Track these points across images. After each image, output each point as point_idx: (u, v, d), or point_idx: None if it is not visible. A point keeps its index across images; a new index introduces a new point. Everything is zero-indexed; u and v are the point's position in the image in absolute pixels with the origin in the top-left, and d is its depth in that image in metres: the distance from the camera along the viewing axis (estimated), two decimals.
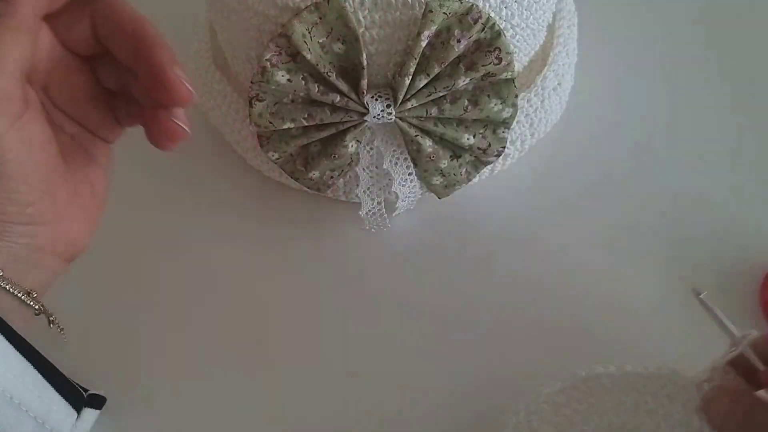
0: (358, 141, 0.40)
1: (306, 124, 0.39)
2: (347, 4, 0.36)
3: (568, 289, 0.42)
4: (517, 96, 0.39)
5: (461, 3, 0.36)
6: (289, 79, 0.37)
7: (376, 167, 0.41)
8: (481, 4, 0.36)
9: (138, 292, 0.43)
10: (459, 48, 0.37)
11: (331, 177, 0.42)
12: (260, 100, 0.38)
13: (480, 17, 0.36)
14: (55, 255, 0.33)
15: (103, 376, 0.39)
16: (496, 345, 0.40)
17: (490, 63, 0.37)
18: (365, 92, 0.37)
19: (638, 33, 0.52)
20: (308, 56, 0.36)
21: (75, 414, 0.35)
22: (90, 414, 0.37)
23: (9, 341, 0.31)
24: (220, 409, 0.40)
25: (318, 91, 0.37)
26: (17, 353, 0.32)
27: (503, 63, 0.37)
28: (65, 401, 0.34)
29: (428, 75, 0.37)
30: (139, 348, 0.42)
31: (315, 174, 0.41)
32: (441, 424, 0.38)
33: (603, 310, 0.41)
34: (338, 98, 0.37)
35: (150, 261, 0.44)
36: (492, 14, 0.37)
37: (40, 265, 0.33)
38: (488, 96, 0.39)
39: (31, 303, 0.33)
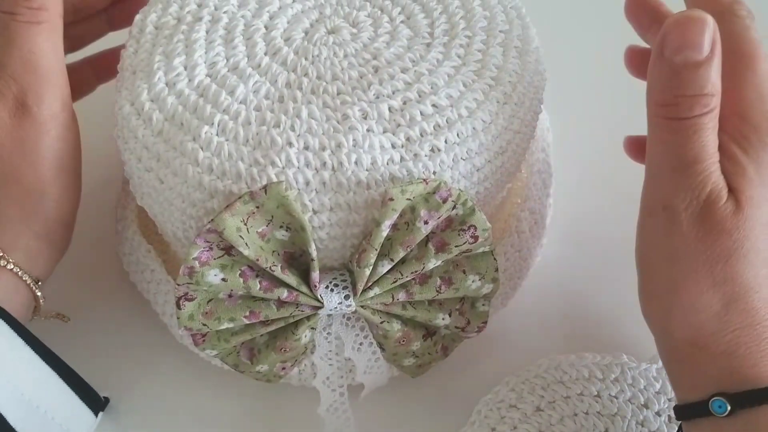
0: (312, 329, 0.33)
1: (248, 322, 0.32)
2: (290, 185, 0.30)
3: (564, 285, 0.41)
4: (497, 270, 0.33)
5: (426, 183, 0.30)
6: (223, 278, 0.31)
7: (336, 354, 0.35)
8: (449, 179, 0.31)
9: None
10: (426, 229, 0.31)
11: (283, 368, 0.35)
12: (190, 300, 0.31)
13: (450, 195, 0.30)
14: (52, 243, 0.35)
15: (102, 376, 0.38)
16: None
17: (464, 243, 0.31)
18: (317, 285, 0.31)
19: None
20: (245, 251, 0.30)
21: (95, 418, 0.36)
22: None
23: (32, 348, 0.33)
24: (220, 410, 0.38)
25: (261, 287, 0.31)
26: (42, 361, 0.33)
27: (480, 240, 0.31)
28: (86, 406, 0.35)
29: (392, 260, 0.31)
30: (138, 348, 0.40)
31: (263, 367, 0.34)
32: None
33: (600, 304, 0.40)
34: (286, 293, 0.31)
35: None
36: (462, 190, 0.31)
37: (43, 254, 0.35)
38: (464, 272, 0.33)
39: (39, 292, 0.35)
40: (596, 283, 0.41)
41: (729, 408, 0.29)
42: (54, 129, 0.34)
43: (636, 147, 0.40)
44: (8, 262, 0.34)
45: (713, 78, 0.29)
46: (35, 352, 0.33)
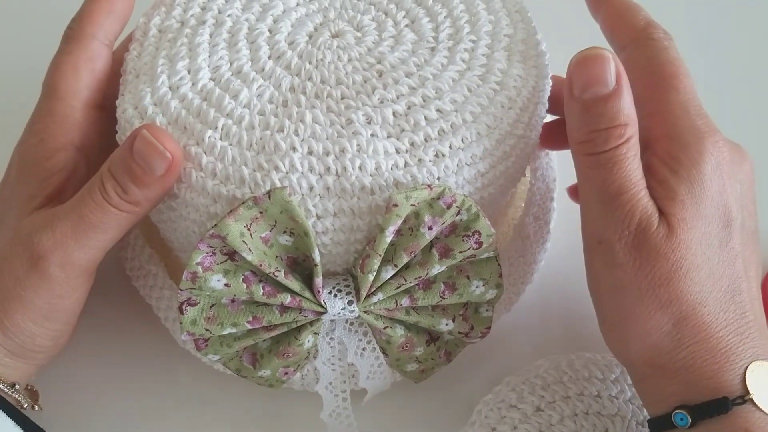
0: (315, 334, 0.33)
1: (251, 327, 0.32)
2: (293, 191, 0.30)
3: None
4: (501, 275, 0.33)
5: (431, 189, 0.30)
6: (226, 284, 0.30)
7: (339, 359, 0.35)
8: (453, 184, 0.30)
9: None
10: (430, 235, 0.30)
11: (286, 374, 0.35)
12: (192, 305, 0.31)
13: (454, 200, 0.30)
14: (30, 362, 0.34)
15: (102, 379, 0.38)
16: None
17: (468, 248, 0.31)
18: (321, 290, 0.31)
19: None
20: (249, 257, 0.30)
21: None
22: None
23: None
24: (222, 415, 0.38)
25: (264, 293, 0.31)
26: None
27: (484, 246, 0.31)
28: None
29: (396, 266, 0.31)
30: (139, 352, 0.40)
31: (266, 372, 0.34)
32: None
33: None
34: (289, 299, 0.31)
35: None
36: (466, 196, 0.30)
37: (19, 369, 0.33)
38: (467, 277, 0.32)
39: (17, 395, 0.33)
40: None
41: (690, 420, 0.29)
42: (59, 288, 0.32)
43: (574, 190, 0.40)
44: None
45: (626, 108, 0.30)
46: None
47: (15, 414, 0.32)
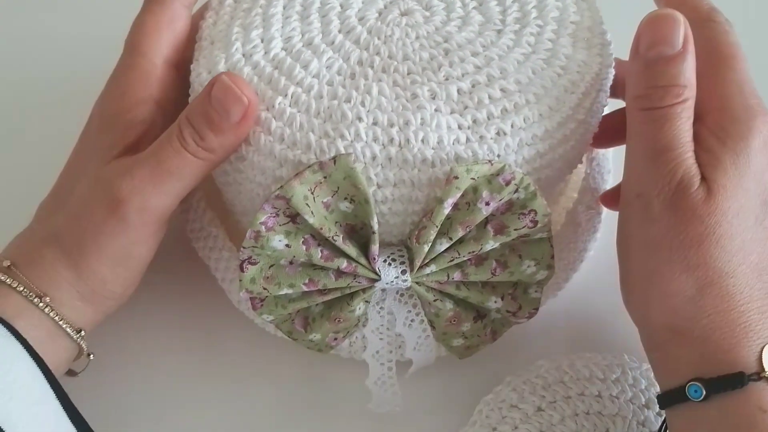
0: (366, 302, 0.34)
1: (306, 290, 0.33)
2: (357, 158, 0.31)
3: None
4: (553, 257, 0.33)
5: (491, 165, 0.30)
6: (287, 245, 0.32)
7: (387, 329, 0.36)
8: (512, 163, 0.31)
9: None
10: (487, 210, 0.31)
11: (335, 339, 0.36)
12: (253, 263, 0.32)
13: (513, 178, 0.31)
14: (98, 308, 0.35)
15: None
16: None
17: (523, 227, 0.32)
18: (376, 258, 0.32)
19: None
20: (310, 219, 0.31)
21: None
22: None
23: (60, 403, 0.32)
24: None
25: (321, 256, 0.32)
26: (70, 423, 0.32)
27: (539, 225, 0.32)
28: None
29: (450, 239, 0.32)
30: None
31: (316, 336, 0.35)
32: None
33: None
34: (345, 264, 0.32)
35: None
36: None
37: (87, 313, 0.35)
38: (519, 257, 0.33)
39: (81, 342, 0.34)
40: (597, 284, 0.41)
41: (704, 393, 0.29)
42: (134, 233, 0.33)
43: (608, 197, 0.40)
44: (56, 313, 0.33)
45: (687, 72, 0.30)
46: (63, 408, 0.33)
47: (52, 381, 0.33)
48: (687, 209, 0.30)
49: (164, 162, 0.32)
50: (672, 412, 0.31)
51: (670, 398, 0.31)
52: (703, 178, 0.30)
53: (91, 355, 0.36)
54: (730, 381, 0.29)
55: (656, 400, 0.32)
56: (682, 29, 0.30)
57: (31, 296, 0.33)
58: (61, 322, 0.33)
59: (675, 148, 0.30)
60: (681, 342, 0.31)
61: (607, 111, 0.37)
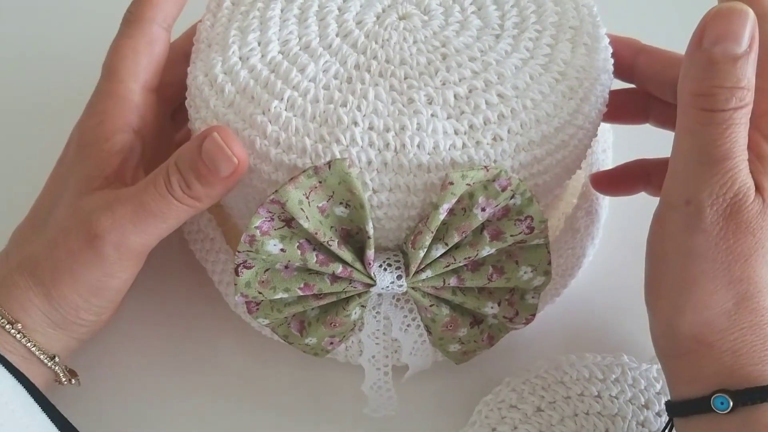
0: (362, 306, 0.34)
1: (302, 294, 0.33)
2: (352, 163, 0.31)
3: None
4: (550, 263, 0.33)
5: (487, 171, 0.30)
6: (282, 249, 0.31)
7: (384, 333, 0.36)
8: (509, 168, 0.31)
9: None
10: (483, 216, 0.31)
11: (331, 343, 0.36)
12: (248, 267, 0.32)
13: (509, 184, 0.31)
14: (72, 335, 0.34)
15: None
16: None
17: (520, 233, 0.31)
18: (372, 263, 0.32)
19: None
20: (305, 224, 0.31)
21: None
22: None
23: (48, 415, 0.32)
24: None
25: (317, 261, 0.32)
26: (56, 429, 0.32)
27: (535, 232, 0.32)
28: None
29: (446, 244, 0.31)
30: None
31: (312, 340, 0.35)
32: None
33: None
34: (340, 268, 0.32)
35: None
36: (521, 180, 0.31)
37: (61, 340, 0.34)
38: (516, 263, 0.33)
39: (55, 368, 0.34)
40: (597, 284, 0.41)
41: (731, 405, 0.29)
42: (110, 267, 0.33)
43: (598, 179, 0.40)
44: (28, 339, 0.33)
45: (749, 73, 0.29)
46: (51, 420, 0.33)
47: (36, 394, 0.33)
48: (741, 222, 0.29)
49: (148, 204, 0.32)
50: (687, 422, 0.31)
51: (688, 407, 0.30)
52: (756, 188, 0.29)
53: (74, 380, 0.36)
54: (759, 394, 0.29)
55: (665, 408, 0.32)
56: (750, 26, 0.28)
57: (3, 323, 0.33)
58: (33, 349, 0.33)
59: (733, 156, 0.29)
60: (707, 353, 0.30)
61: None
